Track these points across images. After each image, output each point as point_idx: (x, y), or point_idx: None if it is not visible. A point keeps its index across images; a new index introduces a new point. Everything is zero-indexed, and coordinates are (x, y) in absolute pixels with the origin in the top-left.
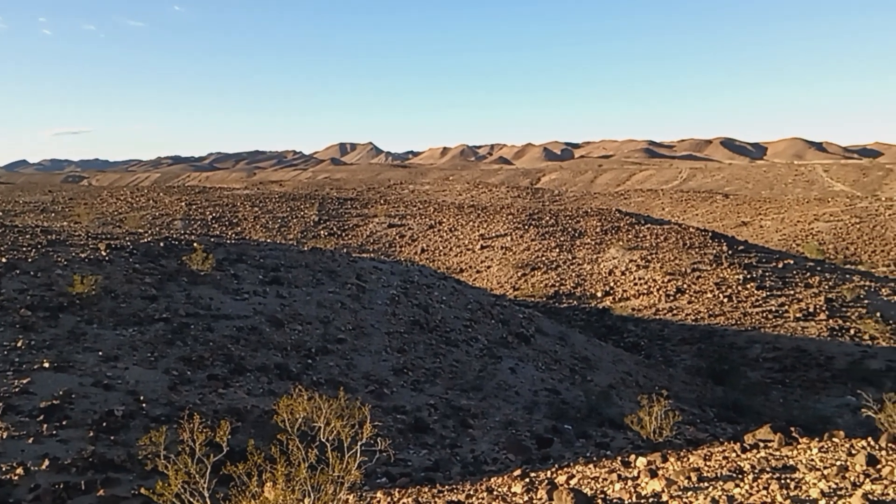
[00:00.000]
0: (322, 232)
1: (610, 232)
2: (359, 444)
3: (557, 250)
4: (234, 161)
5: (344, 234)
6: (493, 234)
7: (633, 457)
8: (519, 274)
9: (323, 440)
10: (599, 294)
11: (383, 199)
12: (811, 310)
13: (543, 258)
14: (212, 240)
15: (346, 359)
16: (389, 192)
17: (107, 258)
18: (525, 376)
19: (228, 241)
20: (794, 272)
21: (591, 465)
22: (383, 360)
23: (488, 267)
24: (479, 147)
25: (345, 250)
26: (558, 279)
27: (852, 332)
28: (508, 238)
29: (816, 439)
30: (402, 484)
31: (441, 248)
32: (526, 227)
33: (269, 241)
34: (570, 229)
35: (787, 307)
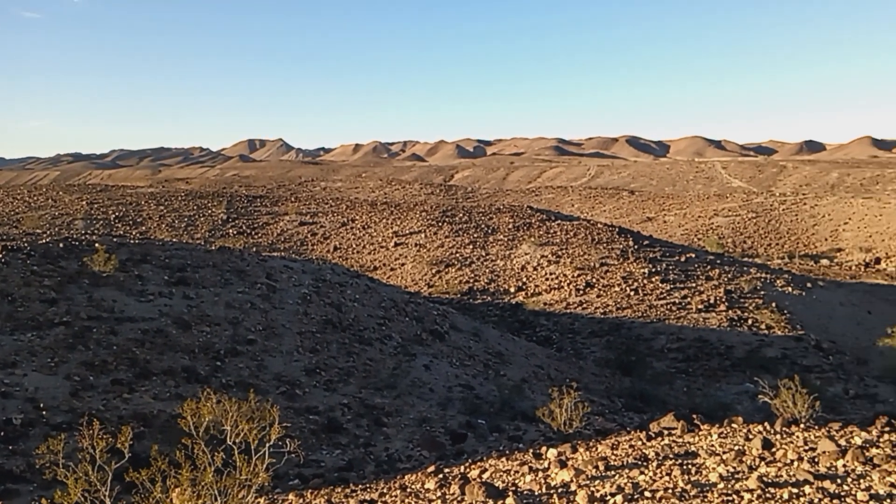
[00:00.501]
0: (231, 231)
1: (522, 228)
2: (267, 445)
3: (471, 247)
4: (138, 158)
5: (253, 233)
6: (407, 232)
7: (544, 448)
8: (433, 271)
9: (230, 443)
10: (512, 289)
11: (294, 197)
12: (712, 301)
13: (457, 255)
14: (114, 240)
15: (256, 360)
16: (301, 190)
17: (2, 260)
18: (439, 373)
19: (132, 241)
20: (696, 265)
21: (503, 459)
22: (295, 361)
23: (402, 264)
24: (392, 144)
25: (254, 249)
26: (472, 275)
27: (750, 322)
28: (422, 235)
29: (717, 425)
30: (314, 485)
31: (354, 245)
32: (440, 224)
33: (175, 240)
34: (483, 226)
35: (689, 299)
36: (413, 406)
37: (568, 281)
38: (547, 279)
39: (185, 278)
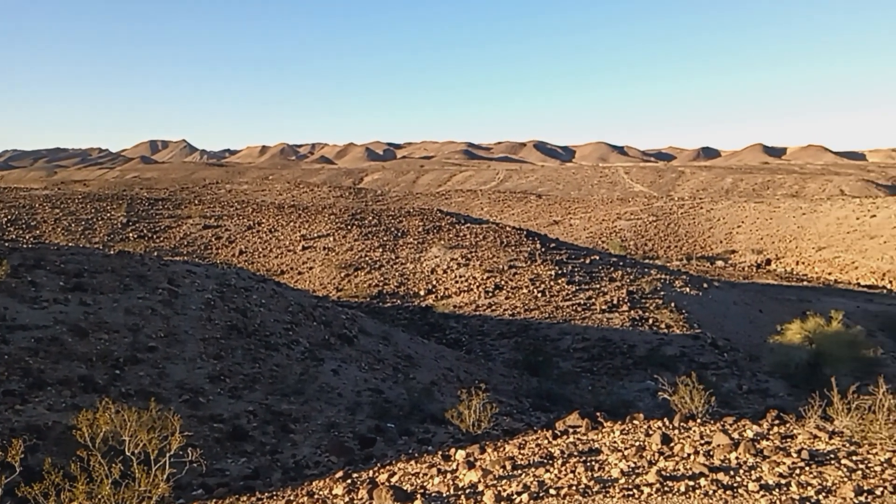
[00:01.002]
0: (131, 234)
1: (432, 231)
2: (167, 455)
3: (381, 250)
4: (32, 159)
5: (155, 237)
6: (316, 235)
7: (452, 450)
8: (342, 274)
9: (129, 454)
10: (422, 292)
11: (198, 200)
12: (615, 302)
13: (367, 258)
14: (6, 244)
15: (157, 368)
16: (205, 192)
17: None
18: (348, 377)
19: (25, 246)
20: (600, 267)
21: (412, 462)
22: (198, 368)
23: (310, 268)
24: (300, 146)
25: (156, 254)
26: (382, 279)
27: (651, 321)
28: (331, 238)
29: (619, 422)
30: (219, 494)
31: (260, 249)
32: (349, 227)
33: (71, 244)
34: (392, 229)
35: (594, 300)
36: (321, 411)
37: (477, 283)
38: (457, 282)
39: (82, 284)
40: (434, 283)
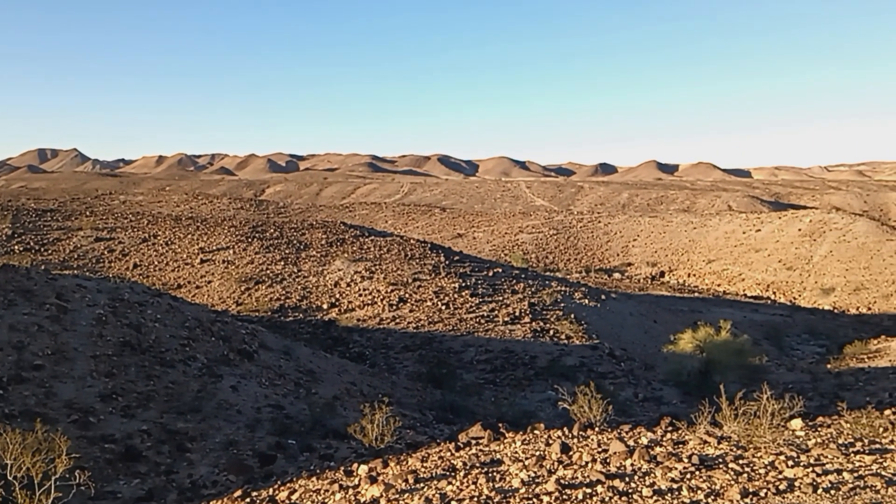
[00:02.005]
0: (16, 247)
1: (335, 244)
2: (52, 479)
3: (282, 263)
4: None
5: (43, 250)
6: (215, 248)
7: (355, 465)
8: (242, 288)
9: (10, 479)
10: (325, 306)
11: (90, 211)
12: (517, 314)
13: (268, 271)
14: None
15: (44, 387)
16: (97, 203)
17: None
18: (248, 394)
19: None
20: (503, 280)
21: (313, 478)
22: (89, 386)
23: (209, 282)
24: (199, 156)
25: (43, 267)
26: (283, 292)
27: (552, 332)
28: (231, 251)
29: (521, 433)
30: None
31: (156, 262)
32: (249, 239)
33: None
34: (295, 242)
35: (497, 312)
36: (219, 429)
37: (381, 296)
38: (360, 295)
39: None
40: (337, 296)
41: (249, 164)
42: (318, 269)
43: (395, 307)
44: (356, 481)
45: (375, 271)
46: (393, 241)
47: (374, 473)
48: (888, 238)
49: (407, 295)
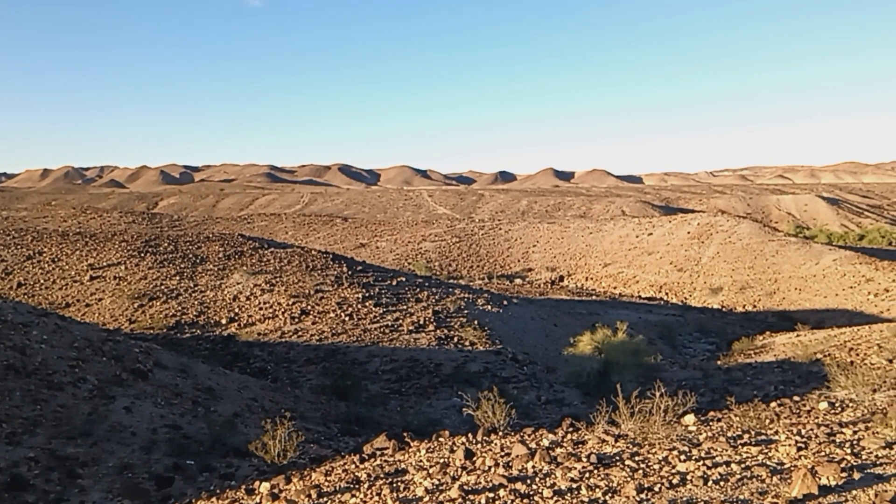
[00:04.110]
0: None
1: (233, 257)
2: None
3: (178, 278)
4: None
5: None
6: (105, 264)
7: (257, 483)
8: (135, 305)
9: None
10: (224, 321)
11: None
12: (422, 322)
13: (163, 287)
14: None
15: None
16: None
17: None
18: (142, 415)
19: None
20: (407, 289)
21: (213, 498)
22: None
23: (100, 299)
24: (88, 169)
25: None
26: (180, 308)
27: (456, 339)
28: (122, 267)
29: (426, 441)
30: None
31: (42, 281)
32: (142, 254)
33: None
34: (191, 255)
35: (401, 321)
36: (112, 453)
37: (283, 309)
38: (261, 308)
39: None
40: (237, 310)
41: (141, 176)
42: (216, 283)
43: (297, 320)
44: (257, 499)
45: (276, 284)
46: (294, 253)
47: (276, 490)
48: (770, 239)
49: (309, 307)
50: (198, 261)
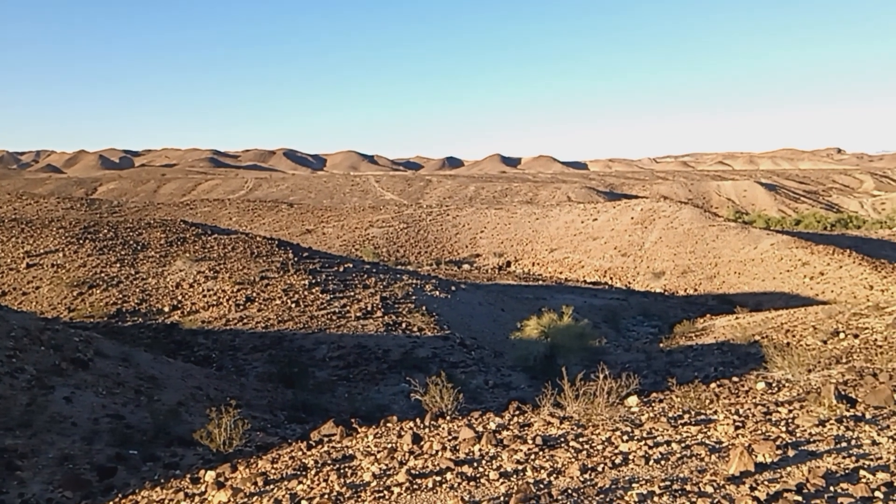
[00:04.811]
0: None
1: (176, 244)
2: None
3: (118, 265)
4: None
5: None
6: (42, 251)
7: (202, 472)
8: (75, 293)
9: None
10: (167, 309)
11: None
12: (369, 308)
13: (103, 274)
14: None
15: None
16: None
17: None
18: (83, 405)
19: None
20: (354, 275)
21: (157, 488)
22: None
23: (37, 287)
24: (23, 153)
25: None
26: (121, 296)
27: (404, 325)
28: (61, 254)
29: (374, 427)
30: None
31: None
32: (81, 241)
33: None
34: (132, 242)
35: (348, 308)
36: (52, 444)
37: (227, 296)
38: (205, 296)
39: None
40: (180, 298)
41: (79, 160)
42: (158, 270)
43: (242, 307)
44: (203, 488)
45: (220, 271)
46: (238, 239)
47: (221, 479)
48: (710, 224)
49: (254, 294)
50: (139, 248)
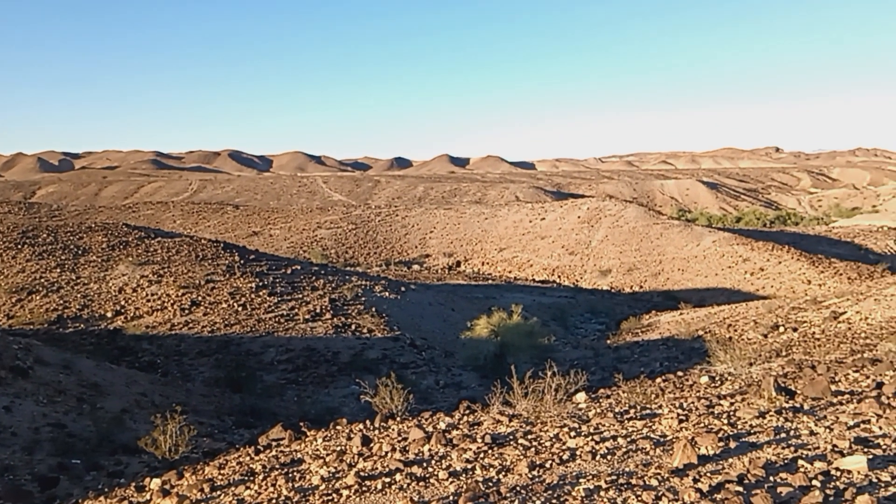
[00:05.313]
0: None
1: (118, 247)
2: None
3: (59, 270)
4: None
5: None
6: None
7: (147, 479)
8: (13, 300)
9: None
10: (110, 314)
11: None
12: (318, 310)
13: (43, 280)
14: None
15: None
16: None
17: None
18: (23, 414)
19: None
20: (302, 277)
21: (101, 498)
22: None
23: None
24: None
25: None
26: (62, 302)
27: (353, 327)
28: None
29: (323, 430)
30: None
31: None
32: (19, 246)
33: None
34: (72, 247)
35: (297, 310)
36: None
37: (172, 301)
38: (149, 300)
39: None
40: (123, 303)
41: (17, 163)
42: (100, 275)
43: (187, 311)
44: (148, 496)
45: (164, 274)
46: (182, 242)
47: (167, 486)
48: (654, 222)
49: (200, 298)
50: (80, 252)
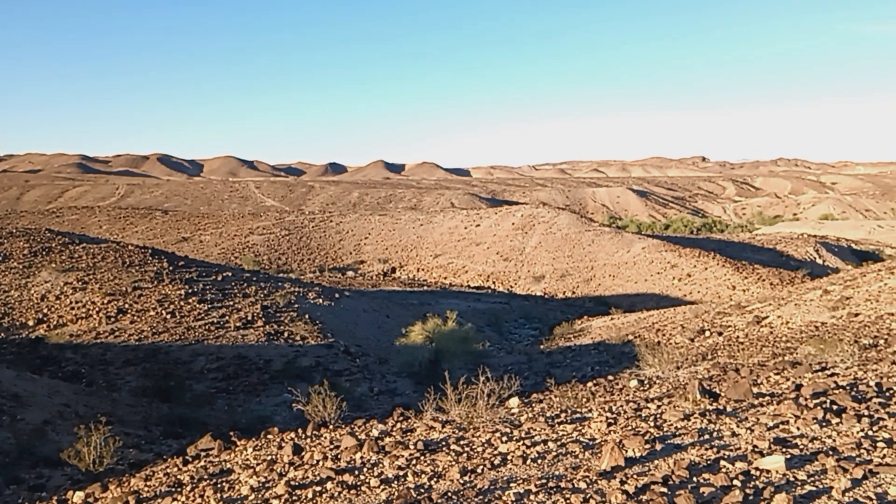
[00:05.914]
0: None
1: (41, 254)
2: None
3: None
4: None
5: None
6: None
7: (70, 493)
8: None
9: None
10: (31, 323)
11: None
12: (250, 318)
13: None
14: None
15: None
16: None
17: None
18: None
19: None
20: (233, 284)
21: None
22: None
23: None
24: None
25: None
26: None
27: (286, 334)
28: None
29: (254, 439)
30: None
31: None
32: None
33: None
34: None
35: (227, 318)
36: None
37: (97, 308)
38: (73, 308)
39: None
40: (45, 311)
41: None
42: (21, 282)
43: (113, 319)
44: None
45: (89, 282)
46: (108, 248)
47: (91, 499)
48: (586, 229)
49: (127, 305)
50: (0, 258)
